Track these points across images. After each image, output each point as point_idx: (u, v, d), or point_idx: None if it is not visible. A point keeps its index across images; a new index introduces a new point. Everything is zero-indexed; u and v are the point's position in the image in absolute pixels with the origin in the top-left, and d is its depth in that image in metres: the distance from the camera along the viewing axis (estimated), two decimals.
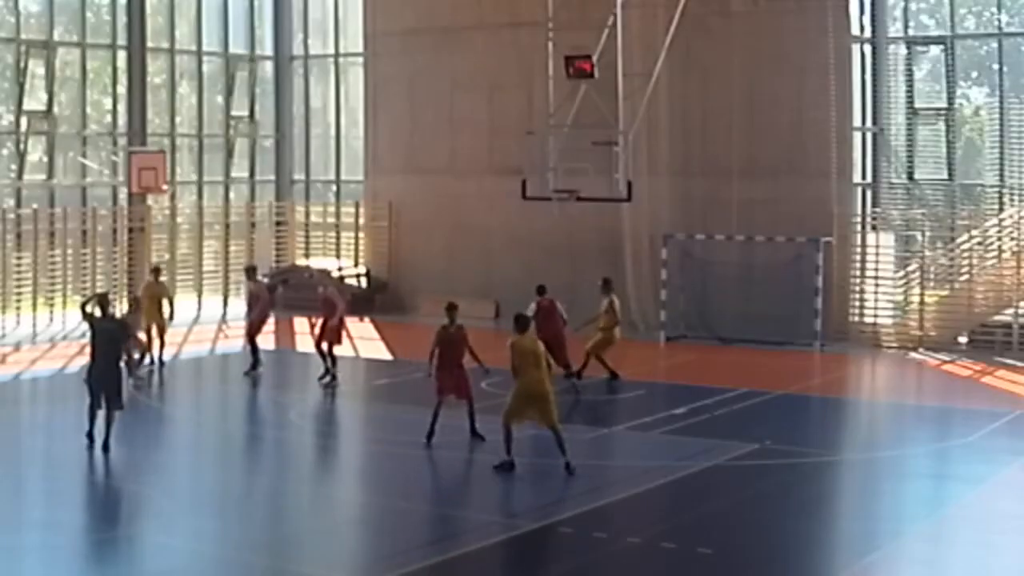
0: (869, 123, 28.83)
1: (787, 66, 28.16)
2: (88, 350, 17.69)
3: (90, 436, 17.30)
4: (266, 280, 25.23)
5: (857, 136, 28.72)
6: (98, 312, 17.63)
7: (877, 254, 28.18)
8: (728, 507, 15.33)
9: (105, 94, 32.35)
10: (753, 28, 28.43)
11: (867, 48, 28.68)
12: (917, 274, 27.87)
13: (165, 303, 24.27)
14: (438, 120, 32.35)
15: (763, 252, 27.96)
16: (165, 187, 31.29)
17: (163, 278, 25.75)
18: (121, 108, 32.11)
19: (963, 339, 27.29)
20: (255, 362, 23.48)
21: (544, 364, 16.21)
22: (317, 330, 22.73)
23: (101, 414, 17.26)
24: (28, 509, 15.01)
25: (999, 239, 27.20)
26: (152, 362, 23.73)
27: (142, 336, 23.19)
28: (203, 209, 33.38)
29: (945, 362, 25.85)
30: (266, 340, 24.67)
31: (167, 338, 24.28)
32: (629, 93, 25.15)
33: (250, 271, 24.80)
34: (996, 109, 27.89)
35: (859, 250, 28.23)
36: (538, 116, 27.21)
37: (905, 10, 28.78)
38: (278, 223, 34.75)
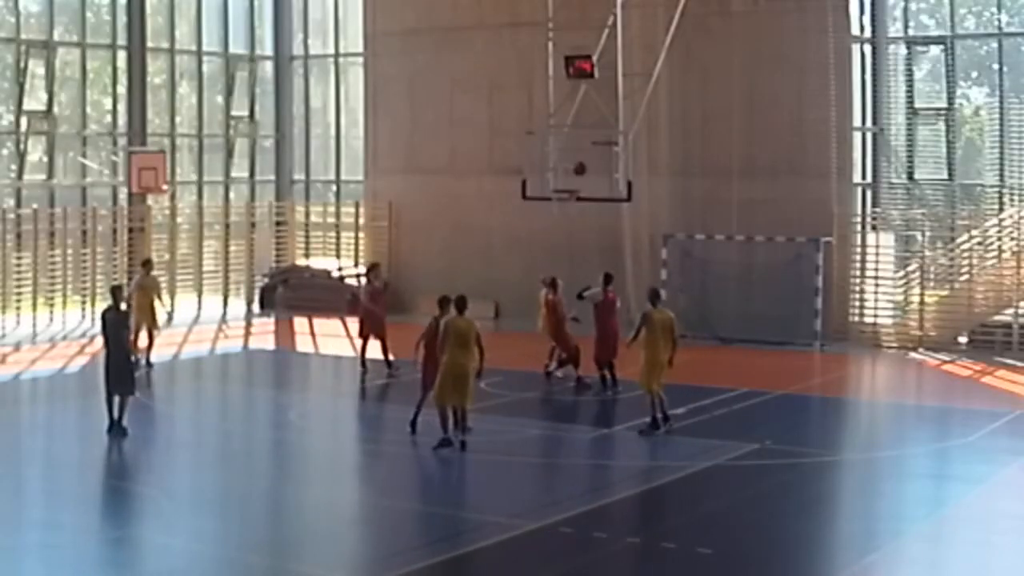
0: (869, 123, 28.84)
1: (787, 66, 28.15)
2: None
3: (110, 426, 17.82)
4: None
5: (857, 136, 28.72)
6: (110, 302, 18.49)
7: (877, 254, 28.18)
8: (728, 507, 15.33)
9: (105, 94, 32.35)
10: (753, 28, 28.43)
11: (867, 48, 28.69)
12: (917, 274, 27.87)
13: (157, 301, 23.65)
14: (438, 120, 32.34)
15: (763, 252, 27.96)
16: (165, 187, 31.28)
17: (154, 272, 25.01)
18: (121, 108, 32.11)
19: (963, 339, 27.29)
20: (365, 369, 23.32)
21: (472, 346, 17.10)
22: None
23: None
24: (28, 509, 15.01)
25: (999, 239, 27.20)
26: (141, 364, 22.93)
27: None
28: (203, 209, 33.37)
29: (945, 362, 25.85)
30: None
31: (156, 337, 23.62)
32: (629, 93, 25.14)
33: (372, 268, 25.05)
34: (996, 109, 27.90)
35: (859, 250, 28.22)
36: (538, 116, 27.18)
37: (905, 10, 28.79)
38: (278, 223, 34.74)
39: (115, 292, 18.81)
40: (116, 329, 18.18)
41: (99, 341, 18.77)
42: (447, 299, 17.98)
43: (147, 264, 24.63)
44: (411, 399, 19.22)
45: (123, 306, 18.68)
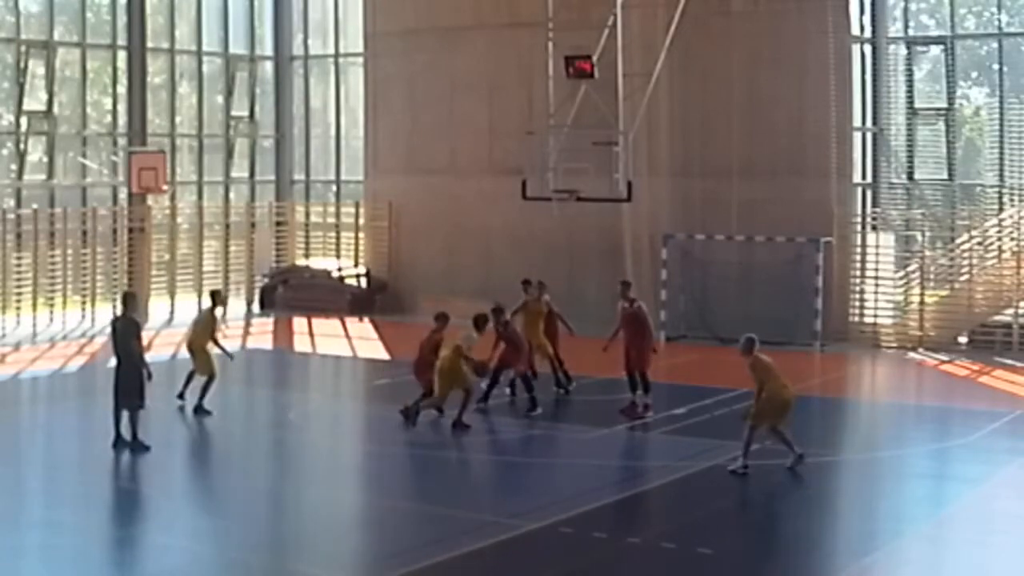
0: (869, 123, 28.83)
1: (787, 66, 28.15)
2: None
3: (116, 440, 17.13)
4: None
5: (857, 136, 28.72)
6: (120, 310, 17.91)
7: (877, 254, 28.19)
8: (728, 507, 15.33)
9: (105, 94, 32.34)
10: (753, 28, 28.43)
11: (867, 48, 28.69)
12: (917, 274, 27.88)
13: None
14: (438, 120, 32.33)
15: (763, 252, 27.95)
16: (165, 187, 31.29)
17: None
18: (121, 108, 32.10)
19: (963, 339, 27.29)
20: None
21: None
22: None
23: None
24: (28, 509, 15.00)
25: (999, 239, 27.21)
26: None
27: None
28: (203, 209, 33.37)
29: (945, 362, 25.84)
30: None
31: None
32: (629, 93, 25.15)
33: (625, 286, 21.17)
34: (996, 109, 27.91)
35: (859, 250, 28.23)
36: (538, 116, 27.20)
37: (905, 10, 28.79)
38: (278, 223, 34.75)
39: (127, 300, 17.98)
40: (126, 339, 17.28)
41: (98, 341, 18.52)
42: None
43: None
44: (409, 400, 19.22)
45: (133, 314, 17.69)
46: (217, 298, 20.75)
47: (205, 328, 20.21)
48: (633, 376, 19.98)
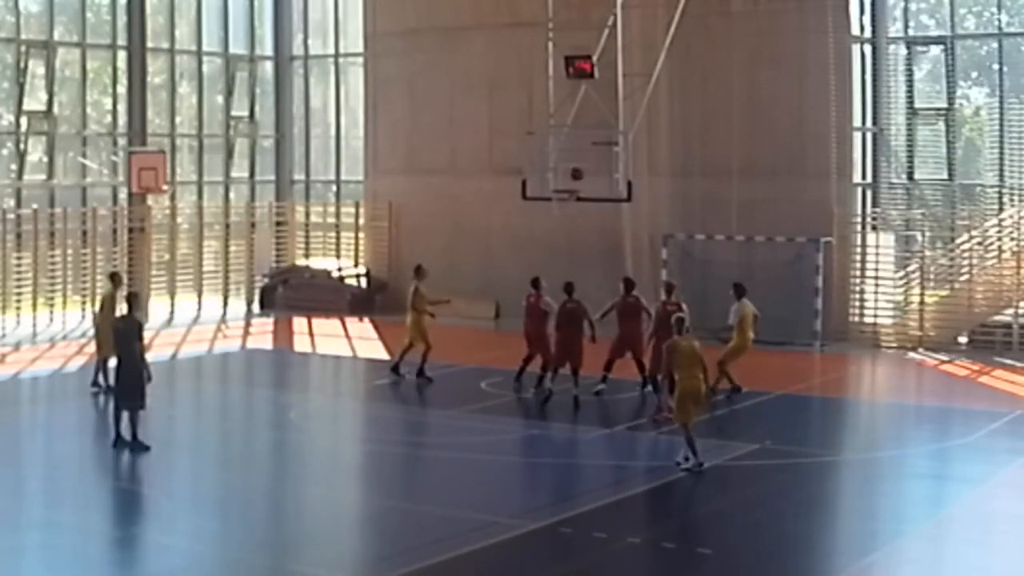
0: (869, 123, 28.84)
1: (787, 66, 28.15)
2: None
3: (116, 440, 17.24)
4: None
5: (857, 136, 28.72)
6: (124, 310, 18.09)
7: (877, 254, 28.19)
8: (728, 507, 15.33)
9: (105, 94, 32.33)
10: (753, 28, 28.43)
11: (867, 48, 28.70)
12: (917, 274, 27.88)
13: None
14: (438, 120, 32.33)
15: (763, 252, 27.94)
16: (165, 187, 31.29)
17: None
18: (121, 108, 32.09)
19: (963, 339, 27.29)
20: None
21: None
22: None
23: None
24: (28, 509, 15.01)
25: (999, 239, 27.20)
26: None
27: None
28: (203, 209, 33.37)
29: (945, 362, 25.84)
30: None
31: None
32: (629, 93, 25.12)
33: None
34: (996, 109, 27.92)
35: (859, 250, 28.23)
36: (538, 116, 27.17)
37: (905, 10, 28.80)
38: (278, 223, 34.74)
39: (130, 300, 18.19)
40: (127, 339, 17.39)
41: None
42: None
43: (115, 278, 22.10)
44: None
45: (137, 314, 17.89)
46: (115, 279, 21.42)
47: (107, 308, 20.70)
48: (657, 379, 19.90)
